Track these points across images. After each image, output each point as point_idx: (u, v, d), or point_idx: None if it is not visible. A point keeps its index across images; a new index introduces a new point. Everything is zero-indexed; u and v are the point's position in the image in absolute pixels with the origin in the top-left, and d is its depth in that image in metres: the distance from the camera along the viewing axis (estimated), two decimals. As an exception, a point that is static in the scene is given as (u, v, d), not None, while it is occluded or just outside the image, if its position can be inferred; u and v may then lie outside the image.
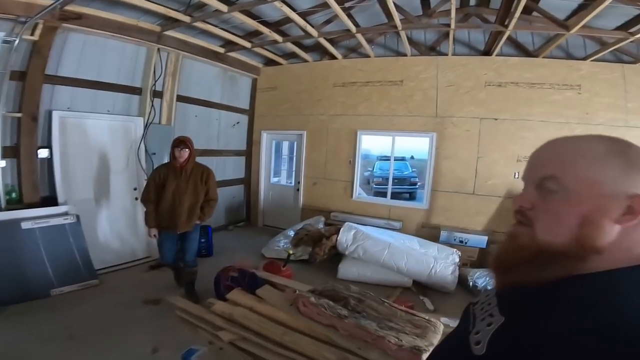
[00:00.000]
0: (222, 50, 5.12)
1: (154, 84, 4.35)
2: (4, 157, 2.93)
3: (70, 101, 3.49)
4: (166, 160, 3.70)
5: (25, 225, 2.92)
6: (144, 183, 3.40)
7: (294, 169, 6.20)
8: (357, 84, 5.44)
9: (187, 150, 2.98)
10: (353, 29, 4.08)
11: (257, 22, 3.97)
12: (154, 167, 3.07)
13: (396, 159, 7.53)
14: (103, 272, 3.65)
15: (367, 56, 5.31)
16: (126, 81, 4.08)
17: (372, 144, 5.83)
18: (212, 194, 3.20)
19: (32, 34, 3.03)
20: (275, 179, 6.52)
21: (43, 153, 3.19)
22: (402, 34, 4.27)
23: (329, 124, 5.70)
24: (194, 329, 2.54)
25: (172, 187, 2.98)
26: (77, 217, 3.25)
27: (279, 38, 4.55)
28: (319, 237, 4.53)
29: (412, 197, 9.69)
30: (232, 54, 5.33)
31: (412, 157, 12.61)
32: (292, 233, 5.30)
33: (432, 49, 5.05)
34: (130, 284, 3.56)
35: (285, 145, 6.56)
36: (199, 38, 4.67)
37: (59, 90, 3.39)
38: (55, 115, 3.26)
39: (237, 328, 2.26)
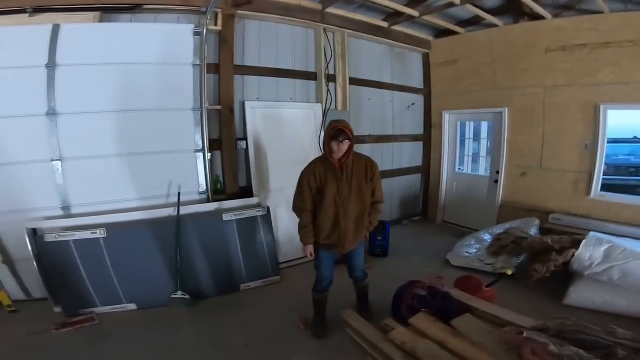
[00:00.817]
0: (385, 24, 4.45)
1: (327, 67, 4.03)
2: (210, 150, 3.08)
3: (257, 91, 3.50)
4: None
5: (225, 216, 2.99)
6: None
7: (488, 155, 4.86)
8: (589, 46, 3.73)
9: (347, 141, 2.16)
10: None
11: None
12: (308, 164, 2.31)
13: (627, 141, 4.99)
14: (284, 266, 3.56)
15: (596, 12, 3.69)
16: (301, 66, 3.90)
17: (615, 122, 3.86)
18: (379, 194, 2.39)
19: (215, 24, 3.09)
20: (460, 168, 5.32)
21: (241, 144, 3.26)
22: None
23: (547, 97, 4.11)
24: (363, 356, 2.20)
25: (332, 191, 2.22)
26: (268, 209, 3.18)
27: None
28: (542, 249, 3.18)
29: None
30: (397, 28, 4.63)
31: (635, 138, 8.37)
32: (487, 237, 4.10)
33: None
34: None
35: (474, 127, 5.24)
36: (360, 12, 4.19)
37: (247, 80, 3.43)
38: (248, 105, 3.31)
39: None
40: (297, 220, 2.33)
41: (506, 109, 4.45)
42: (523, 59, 4.25)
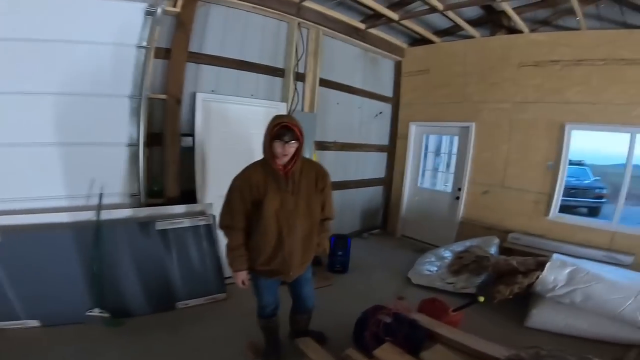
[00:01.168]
0: (362, 26, 4.25)
1: (297, 65, 3.70)
2: (149, 145, 2.60)
3: (215, 83, 3.06)
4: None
5: (160, 225, 2.51)
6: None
7: (452, 171, 4.80)
8: (561, 63, 3.75)
9: (295, 142, 1.71)
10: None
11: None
12: (243, 170, 1.81)
13: (572, 164, 5.27)
14: (231, 282, 3.06)
15: (572, 29, 3.78)
16: (268, 61, 3.52)
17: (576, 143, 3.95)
18: (329, 210, 1.96)
19: (174, 5, 2.63)
20: (422, 182, 5.22)
21: (187, 141, 2.79)
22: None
23: (515, 113, 4.10)
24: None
25: (273, 205, 1.74)
26: (213, 217, 2.75)
27: (438, 4, 3.50)
28: (507, 271, 3.09)
29: (592, 213, 7.13)
30: (374, 31, 4.44)
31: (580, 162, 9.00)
32: (448, 254, 3.99)
33: None
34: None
35: (442, 141, 5.18)
36: (339, 10, 3.92)
37: (203, 70, 2.98)
38: (199, 97, 2.84)
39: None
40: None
41: (474, 124, 4.40)
42: (496, 73, 4.21)
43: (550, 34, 3.90)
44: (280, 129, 1.65)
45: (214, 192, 3.03)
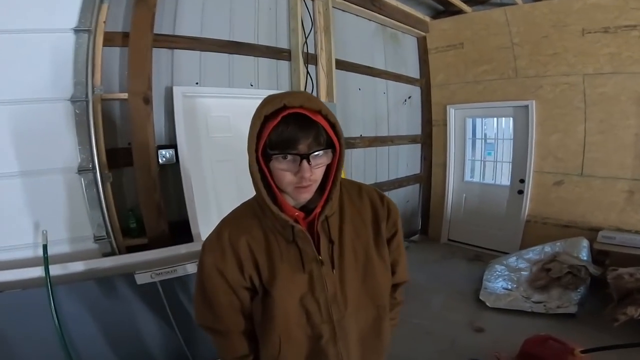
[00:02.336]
0: None
1: (305, 44, 2.89)
2: (113, 166, 1.83)
3: (198, 72, 2.27)
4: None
5: (141, 277, 1.74)
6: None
7: (508, 160, 3.89)
8: (638, 29, 2.90)
9: (325, 152, 0.73)
10: None
11: None
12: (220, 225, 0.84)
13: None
14: None
15: None
16: (268, 41, 2.71)
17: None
18: (403, 270, 0.96)
19: None
20: (470, 176, 4.32)
21: (165, 155, 2.01)
22: None
23: (589, 87, 3.20)
24: None
25: (293, 292, 0.79)
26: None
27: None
28: (637, 288, 2.27)
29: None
30: (392, 0, 3.65)
31: None
32: (522, 264, 3.15)
33: None
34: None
35: (490, 125, 4.26)
36: None
37: (181, 57, 2.19)
38: (177, 93, 2.04)
39: None
40: None
41: (533, 102, 3.50)
42: (553, 42, 3.34)
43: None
44: (287, 126, 0.69)
45: (213, 220, 2.26)
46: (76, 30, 1.73)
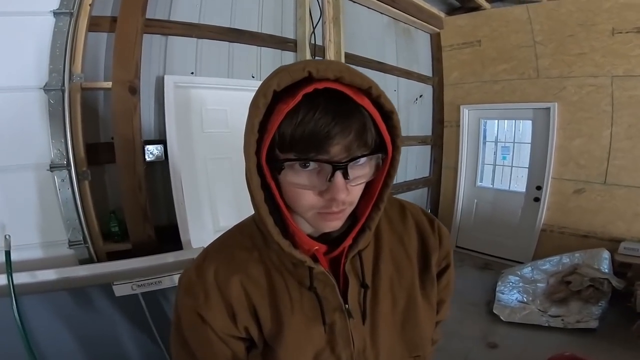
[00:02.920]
0: None
1: (313, 34, 2.68)
2: (93, 163, 1.64)
3: (194, 61, 2.06)
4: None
5: (120, 289, 1.54)
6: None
7: (525, 165, 3.66)
8: None
9: (371, 158, 0.46)
10: None
11: None
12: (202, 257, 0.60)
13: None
14: None
15: None
16: (273, 29, 2.50)
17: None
18: (447, 307, 0.73)
19: None
20: (483, 181, 4.09)
21: (153, 151, 1.81)
22: None
23: (617, 90, 2.97)
24: None
25: (309, 348, 0.56)
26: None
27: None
28: None
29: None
30: None
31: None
32: (538, 275, 2.98)
33: None
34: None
35: (507, 127, 4.01)
36: None
37: (175, 45, 1.98)
38: (169, 82, 1.84)
39: None
40: None
41: (556, 104, 3.26)
42: (579, 42, 3.11)
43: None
44: (313, 111, 0.41)
45: (207, 226, 2.07)
46: (56, 13, 1.53)
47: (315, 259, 0.53)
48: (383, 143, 0.47)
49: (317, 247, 0.53)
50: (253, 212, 0.57)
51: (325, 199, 0.45)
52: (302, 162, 0.43)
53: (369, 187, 0.52)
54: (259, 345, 0.57)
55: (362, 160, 0.45)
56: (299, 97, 0.41)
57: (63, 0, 1.54)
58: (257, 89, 0.45)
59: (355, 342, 0.57)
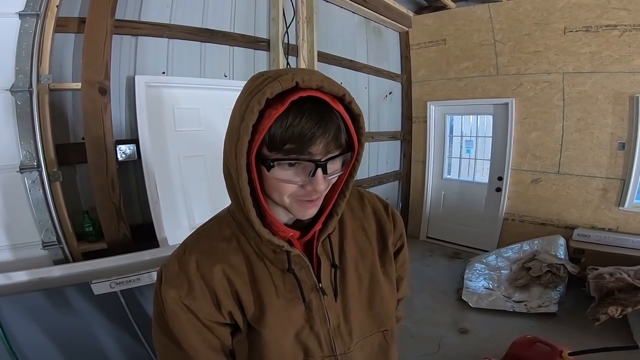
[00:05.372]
0: None
1: (286, 33, 2.74)
2: (63, 165, 1.64)
3: (166, 61, 2.08)
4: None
5: (99, 287, 1.57)
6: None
7: (487, 157, 3.89)
8: (619, 28, 2.92)
9: (344, 154, 0.55)
10: None
11: None
12: (176, 259, 0.63)
13: None
14: None
15: None
16: (245, 29, 2.54)
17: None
18: (405, 284, 0.86)
19: None
20: (449, 173, 4.32)
21: (125, 151, 1.83)
22: None
23: (568, 86, 3.22)
24: None
25: (286, 328, 0.63)
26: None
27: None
28: (619, 288, 2.33)
29: None
30: None
31: None
32: (502, 262, 3.18)
33: None
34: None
35: (470, 122, 4.24)
36: None
37: (145, 45, 1.99)
38: (140, 82, 1.85)
39: None
40: None
41: (513, 100, 3.49)
42: (535, 40, 3.33)
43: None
44: (300, 117, 0.49)
45: (183, 223, 2.10)
46: (22, 14, 1.52)
47: (291, 244, 0.61)
48: (351, 141, 0.55)
49: (292, 234, 0.61)
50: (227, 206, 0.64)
51: (306, 190, 0.53)
52: (290, 161, 0.50)
53: (337, 180, 0.60)
54: (243, 329, 0.63)
55: (337, 158, 0.53)
56: (286, 105, 0.48)
57: (29, 1, 1.53)
58: (245, 93, 0.52)
59: (331, 319, 0.65)
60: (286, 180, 0.52)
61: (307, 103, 0.49)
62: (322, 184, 0.52)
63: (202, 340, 0.61)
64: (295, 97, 0.48)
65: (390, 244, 0.74)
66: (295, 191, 0.54)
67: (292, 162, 0.50)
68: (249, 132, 0.49)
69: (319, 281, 0.64)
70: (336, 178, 0.57)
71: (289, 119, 0.48)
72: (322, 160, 0.51)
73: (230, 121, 0.54)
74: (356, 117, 0.55)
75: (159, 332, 0.63)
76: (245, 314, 0.61)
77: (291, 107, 0.48)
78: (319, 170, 0.51)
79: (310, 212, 0.57)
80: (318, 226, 0.62)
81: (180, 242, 0.66)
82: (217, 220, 0.67)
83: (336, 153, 0.52)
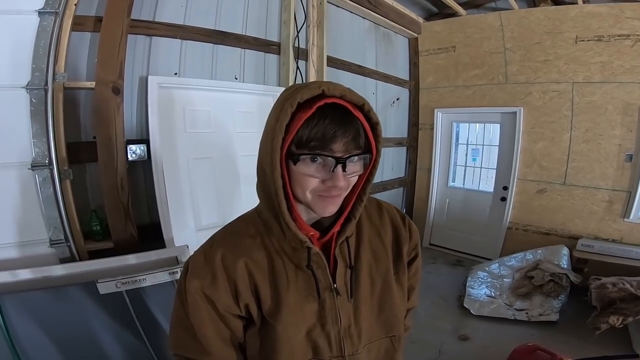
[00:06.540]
0: None
1: (297, 37, 2.75)
2: (74, 162, 1.64)
3: (178, 62, 2.09)
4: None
5: (104, 286, 1.56)
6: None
7: (493, 166, 3.89)
8: (633, 38, 2.92)
9: (362, 157, 0.60)
10: None
11: None
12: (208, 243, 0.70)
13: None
14: None
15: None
16: (257, 32, 2.55)
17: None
18: (416, 295, 0.88)
19: None
20: (454, 181, 4.31)
21: (135, 151, 1.83)
22: None
23: (577, 96, 3.22)
24: None
25: (299, 324, 0.66)
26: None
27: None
28: (621, 298, 2.32)
29: None
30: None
31: None
32: (505, 271, 3.18)
33: None
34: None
35: (477, 130, 4.23)
36: None
37: (159, 45, 2.00)
38: (153, 83, 1.86)
39: None
40: None
41: (522, 109, 3.49)
42: (545, 49, 3.33)
43: (611, 5, 3.03)
44: (323, 119, 0.55)
45: (189, 224, 2.10)
46: (41, 12, 1.52)
47: (311, 242, 0.64)
48: (370, 147, 0.61)
49: (312, 233, 0.65)
50: (234, 212, 0.66)
51: (326, 185, 0.58)
52: (313, 156, 0.56)
53: (355, 184, 0.64)
54: (257, 322, 0.67)
55: (356, 158, 0.59)
56: (313, 109, 0.55)
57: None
58: (280, 100, 0.59)
59: (343, 319, 0.68)
60: (309, 175, 0.58)
61: (330, 108, 0.56)
62: (342, 180, 0.57)
63: (216, 331, 0.66)
64: (321, 103, 0.55)
65: (405, 253, 0.77)
66: (316, 186, 0.59)
67: (315, 157, 0.56)
68: (282, 130, 0.55)
69: (334, 281, 0.67)
70: (355, 178, 0.62)
71: (315, 120, 0.55)
72: (342, 157, 0.56)
73: (266, 124, 0.60)
74: (374, 125, 0.61)
75: (176, 317, 0.68)
76: (262, 308, 0.65)
77: (317, 111, 0.55)
78: (339, 167, 0.57)
79: (330, 209, 0.61)
80: (336, 228, 0.67)
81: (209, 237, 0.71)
82: (243, 219, 0.72)
83: (355, 153, 0.58)
